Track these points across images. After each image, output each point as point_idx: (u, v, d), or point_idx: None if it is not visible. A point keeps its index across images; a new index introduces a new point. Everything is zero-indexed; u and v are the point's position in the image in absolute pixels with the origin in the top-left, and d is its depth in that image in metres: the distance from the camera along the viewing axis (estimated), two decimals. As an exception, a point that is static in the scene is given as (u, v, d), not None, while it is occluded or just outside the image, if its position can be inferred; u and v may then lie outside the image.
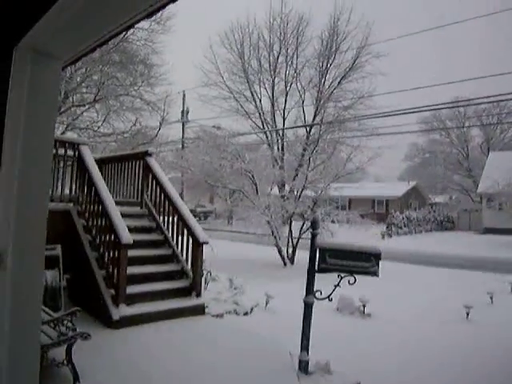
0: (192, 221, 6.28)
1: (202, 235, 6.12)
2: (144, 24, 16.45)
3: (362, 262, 4.29)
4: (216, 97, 18.11)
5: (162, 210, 6.94)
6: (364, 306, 7.47)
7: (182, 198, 21.17)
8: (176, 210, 6.48)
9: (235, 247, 17.63)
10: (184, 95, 23.05)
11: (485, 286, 9.61)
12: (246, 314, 6.90)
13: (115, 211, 5.53)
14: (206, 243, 6.19)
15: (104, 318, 5.25)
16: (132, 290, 5.53)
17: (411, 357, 5.42)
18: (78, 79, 15.46)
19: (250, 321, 6.54)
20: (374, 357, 5.30)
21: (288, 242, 13.60)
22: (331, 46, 17.21)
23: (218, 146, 12.97)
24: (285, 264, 13.37)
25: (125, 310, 5.27)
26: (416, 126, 35.81)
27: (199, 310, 6.08)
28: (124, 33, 15.87)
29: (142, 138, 17.53)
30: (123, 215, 5.92)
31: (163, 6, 1.82)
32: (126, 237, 5.21)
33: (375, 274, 4.26)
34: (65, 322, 3.60)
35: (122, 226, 5.32)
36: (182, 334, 5.22)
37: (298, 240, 13.40)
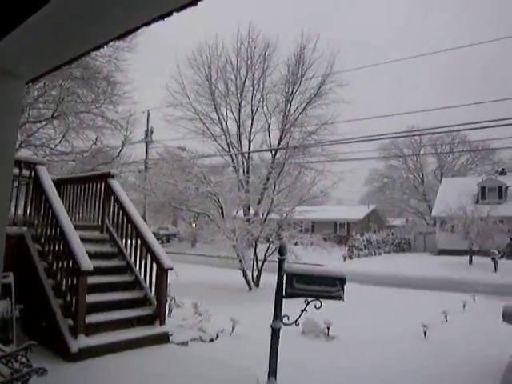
0: (156, 246, 6.08)
1: (166, 261, 5.92)
2: (108, 40, 16.20)
3: (328, 286, 4.35)
4: (182, 117, 18.06)
5: (124, 234, 6.67)
6: (328, 329, 7.52)
7: (144, 220, 20.70)
8: (139, 235, 6.26)
9: (200, 271, 17.30)
10: (148, 115, 22.58)
11: (440, 305, 9.97)
12: (211, 340, 6.69)
13: (74, 236, 5.26)
14: (171, 269, 6.00)
15: (62, 350, 4.90)
16: (92, 319, 5.24)
17: (371, 377, 5.44)
18: (36, 94, 14.87)
19: (215, 348, 6.35)
20: (335, 379, 5.30)
21: (253, 265, 13.47)
22: (297, 72, 17.67)
23: (183, 168, 12.80)
24: (250, 288, 13.21)
25: (84, 341, 4.96)
26: (376, 153, 37.18)
27: (163, 339, 5.84)
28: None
29: (102, 158, 16.99)
30: (83, 240, 5.65)
31: (134, 30, 1.77)
32: (86, 263, 4.95)
33: (340, 298, 4.35)
34: (18, 357, 3.33)
35: (81, 251, 5.06)
36: (145, 364, 4.97)
37: (263, 263, 13.31)
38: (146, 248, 6.13)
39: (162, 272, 5.92)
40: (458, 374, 5.61)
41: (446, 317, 9.10)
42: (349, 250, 28.19)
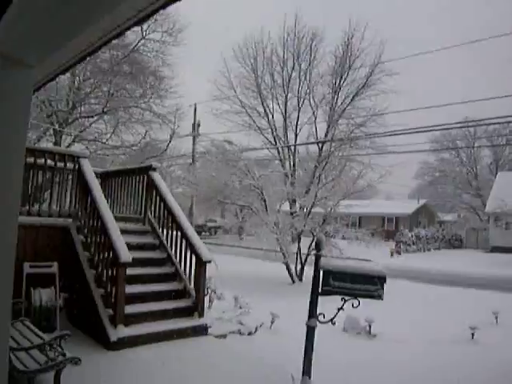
0: (195, 238, 6.11)
1: (205, 253, 5.94)
2: (155, 35, 16.60)
3: (367, 284, 4.14)
4: (228, 111, 18.09)
5: (165, 226, 6.76)
6: (370, 326, 7.33)
7: (191, 212, 20.96)
8: (179, 227, 6.31)
9: (244, 263, 17.39)
10: (195, 108, 22.72)
11: (491, 305, 9.37)
12: (250, 334, 6.66)
13: (114, 228, 5.38)
14: (209, 262, 6.02)
15: (101, 339, 5.06)
16: (131, 309, 5.35)
17: (412, 380, 5.25)
18: (88, 90, 15.50)
19: (253, 341, 6.31)
20: (375, 378, 5.16)
21: (297, 259, 13.36)
22: (344, 63, 17.18)
23: (228, 161, 12.85)
24: (293, 281, 13.13)
25: (123, 331, 5.08)
26: (427, 145, 35.65)
27: (201, 331, 5.88)
28: (135, 43, 16.03)
29: (151, 151, 17.51)
30: (126, 231, 5.77)
31: (153, 13, 1.67)
32: (125, 255, 5.05)
33: (380, 297, 4.12)
34: (54, 345, 3.43)
35: (120, 243, 5.16)
36: (182, 356, 5.03)
37: (307, 257, 13.14)
38: (186, 240, 6.18)
39: (201, 264, 5.95)
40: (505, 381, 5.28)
41: (496, 318, 8.57)
42: (396, 245, 27.40)
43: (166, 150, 17.62)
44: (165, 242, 6.71)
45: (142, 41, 16.08)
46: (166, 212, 6.67)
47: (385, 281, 4.15)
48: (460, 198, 44.00)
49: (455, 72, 68.85)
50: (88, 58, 2.11)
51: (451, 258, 25.31)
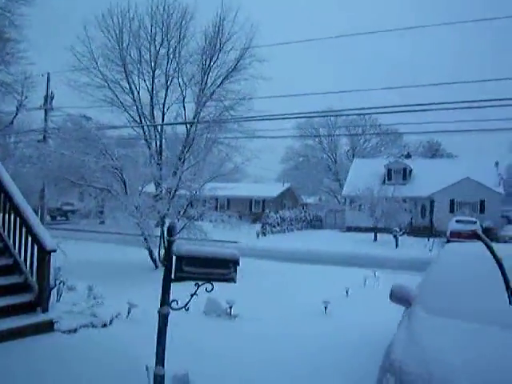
0: (37, 226, 5.42)
1: (48, 242, 5.32)
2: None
3: (220, 268, 4.16)
4: (88, 84, 16.72)
5: (1, 211, 5.90)
6: (231, 308, 7.48)
7: (43, 195, 18.97)
8: (18, 214, 5.54)
9: (104, 250, 16.41)
10: (48, 78, 20.08)
11: (344, 280, 10.51)
12: (104, 326, 6.22)
13: None
14: (54, 251, 5.42)
15: None
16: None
17: (272, 354, 5.47)
18: None
19: (107, 334, 5.91)
20: (235, 357, 5.26)
21: (160, 243, 13.04)
22: (215, 44, 17.14)
23: (83, 139, 11.80)
24: (156, 266, 12.83)
25: None
26: (292, 131, 38.02)
27: (46, 327, 5.29)
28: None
29: (-7, 124, 15.27)
30: None
31: None
32: None
33: (233, 280, 4.18)
34: None
35: None
36: (20, 359, 4.44)
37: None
38: (26, 228, 5.47)
39: (44, 254, 5.33)
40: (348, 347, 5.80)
41: (347, 292, 9.55)
42: (262, 226, 28.81)
43: (11, 123, 15.45)
44: (0, 230, 5.86)
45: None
46: (1, 196, 5.81)
47: (238, 264, 4.21)
48: (321, 182, 48.15)
49: (323, 62, 73.80)
50: None
51: (312, 237, 27.63)
